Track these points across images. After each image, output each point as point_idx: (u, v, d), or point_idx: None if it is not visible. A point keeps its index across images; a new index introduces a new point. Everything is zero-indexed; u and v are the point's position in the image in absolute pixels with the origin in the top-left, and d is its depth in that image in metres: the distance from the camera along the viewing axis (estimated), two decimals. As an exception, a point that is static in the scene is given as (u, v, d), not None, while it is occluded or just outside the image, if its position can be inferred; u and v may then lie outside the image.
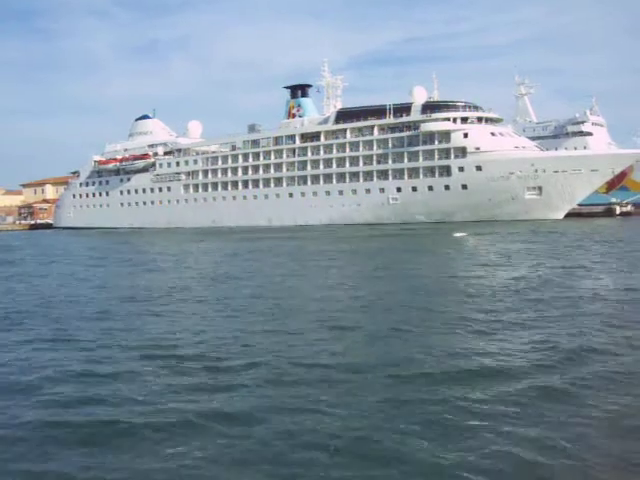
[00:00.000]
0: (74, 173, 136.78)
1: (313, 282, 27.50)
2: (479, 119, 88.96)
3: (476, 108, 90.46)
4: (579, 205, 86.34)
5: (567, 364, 12.35)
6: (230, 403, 10.58)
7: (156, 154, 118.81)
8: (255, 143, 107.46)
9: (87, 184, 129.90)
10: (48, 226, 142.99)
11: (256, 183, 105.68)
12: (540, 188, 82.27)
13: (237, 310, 20.14)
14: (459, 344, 14.30)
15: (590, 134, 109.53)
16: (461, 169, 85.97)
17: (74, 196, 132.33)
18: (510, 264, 31.97)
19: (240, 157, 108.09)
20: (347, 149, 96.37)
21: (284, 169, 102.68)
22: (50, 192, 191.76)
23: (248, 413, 10.05)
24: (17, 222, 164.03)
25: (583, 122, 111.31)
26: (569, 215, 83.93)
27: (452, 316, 17.73)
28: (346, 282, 26.67)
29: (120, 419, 9.91)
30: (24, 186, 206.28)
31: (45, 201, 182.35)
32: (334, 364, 12.79)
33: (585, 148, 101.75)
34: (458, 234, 58.77)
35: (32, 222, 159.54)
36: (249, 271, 32.49)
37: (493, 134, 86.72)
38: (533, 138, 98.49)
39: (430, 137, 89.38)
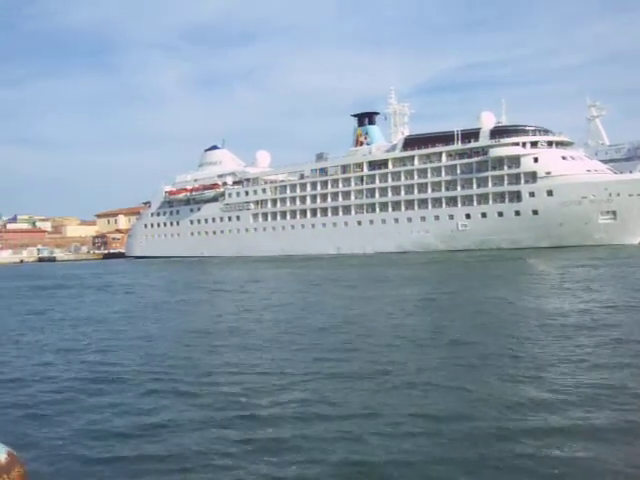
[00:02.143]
0: (146, 203, 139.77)
1: (380, 307, 27.38)
2: (549, 143, 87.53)
3: (546, 132, 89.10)
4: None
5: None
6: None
7: (225, 184, 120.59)
8: (323, 171, 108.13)
9: (158, 214, 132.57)
10: (120, 255, 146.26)
11: (324, 211, 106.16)
12: (614, 212, 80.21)
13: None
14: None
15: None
16: (532, 194, 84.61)
17: (145, 226, 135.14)
18: (589, 293, 31.15)
19: (308, 186, 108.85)
20: (415, 176, 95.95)
21: (352, 197, 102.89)
22: (123, 222, 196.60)
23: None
24: (91, 251, 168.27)
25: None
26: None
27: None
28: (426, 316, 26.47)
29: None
30: (98, 216, 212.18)
31: (118, 231, 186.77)
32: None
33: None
34: (531, 260, 57.78)
35: (105, 252, 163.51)
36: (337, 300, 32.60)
37: (564, 158, 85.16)
38: (606, 161, 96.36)
39: (499, 162, 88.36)
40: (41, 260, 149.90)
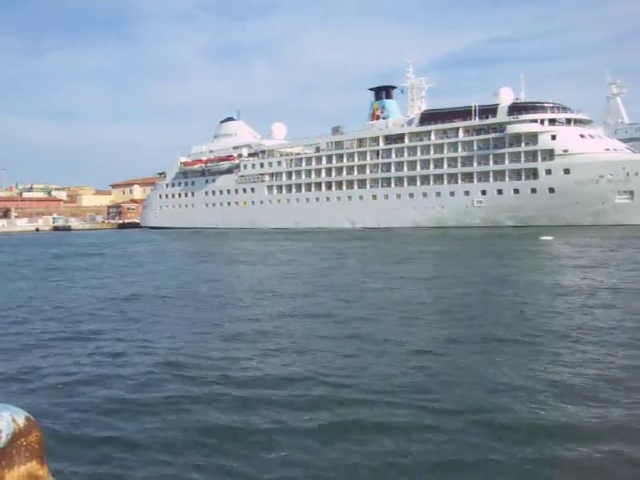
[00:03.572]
0: (160, 174, 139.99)
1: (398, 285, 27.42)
2: (568, 120, 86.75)
3: (565, 109, 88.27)
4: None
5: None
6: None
7: (240, 155, 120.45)
8: (339, 145, 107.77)
9: (173, 185, 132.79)
10: (135, 225, 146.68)
11: (339, 185, 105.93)
12: (632, 192, 79.42)
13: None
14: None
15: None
16: (548, 172, 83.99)
17: (160, 196, 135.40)
18: (599, 272, 30.99)
19: (324, 159, 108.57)
20: (431, 151, 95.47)
21: (367, 171, 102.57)
22: (137, 192, 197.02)
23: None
24: (106, 221, 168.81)
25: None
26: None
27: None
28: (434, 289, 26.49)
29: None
30: (113, 186, 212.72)
31: (133, 201, 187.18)
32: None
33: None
34: (545, 238, 57.55)
35: (120, 221, 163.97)
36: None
37: (582, 136, 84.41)
38: (625, 140, 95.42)
39: (517, 139, 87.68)
40: (56, 229, 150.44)
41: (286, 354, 14.91)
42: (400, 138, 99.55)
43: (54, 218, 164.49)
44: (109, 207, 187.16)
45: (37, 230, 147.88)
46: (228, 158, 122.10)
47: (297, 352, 15.00)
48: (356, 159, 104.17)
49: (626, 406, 10.47)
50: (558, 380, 12.00)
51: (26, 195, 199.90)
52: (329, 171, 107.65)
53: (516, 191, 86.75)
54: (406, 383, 12.06)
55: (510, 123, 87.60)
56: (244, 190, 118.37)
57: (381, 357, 14.24)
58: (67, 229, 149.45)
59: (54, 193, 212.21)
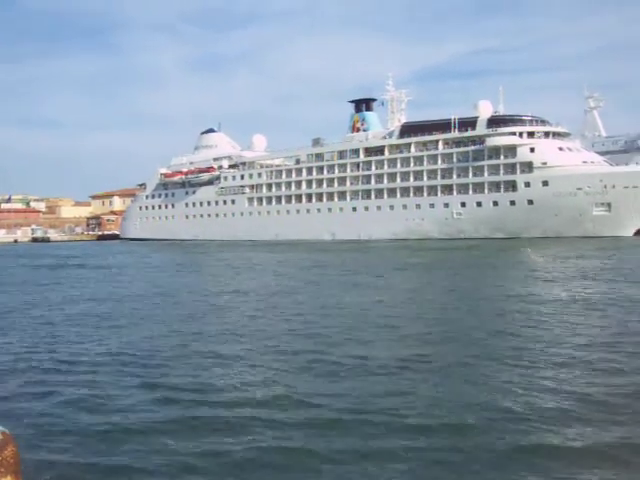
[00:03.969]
0: (141, 185, 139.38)
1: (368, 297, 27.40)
2: (546, 133, 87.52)
3: (543, 122, 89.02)
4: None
5: None
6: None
7: (221, 167, 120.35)
8: (319, 157, 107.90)
9: (153, 196, 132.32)
10: (115, 237, 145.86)
11: (320, 197, 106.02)
12: (609, 204, 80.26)
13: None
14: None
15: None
16: (527, 184, 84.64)
17: (140, 208, 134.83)
18: (573, 283, 31.20)
19: (304, 171, 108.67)
20: (411, 163, 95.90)
21: (348, 183, 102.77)
22: (117, 204, 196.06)
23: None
24: (85, 233, 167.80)
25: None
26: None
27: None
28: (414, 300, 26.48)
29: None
30: (92, 198, 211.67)
31: (112, 212, 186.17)
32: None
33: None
34: (523, 250, 57.86)
35: (100, 233, 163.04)
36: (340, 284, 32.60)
37: (561, 149, 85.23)
38: (602, 153, 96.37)
39: (496, 152, 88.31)
40: (35, 240, 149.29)
41: (255, 371, 14.76)
42: (380, 150, 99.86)
43: (33, 229, 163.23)
44: (88, 218, 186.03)
45: (15, 242, 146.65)
46: (208, 170, 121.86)
47: (267, 369, 14.86)
48: (336, 171, 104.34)
49: (605, 427, 10.48)
50: (532, 402, 12.01)
51: (4, 206, 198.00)
52: (309, 183, 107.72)
53: (495, 203, 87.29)
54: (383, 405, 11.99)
55: (489, 136, 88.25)
56: (224, 202, 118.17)
57: (345, 373, 14.18)
58: (46, 240, 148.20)
59: (33, 204, 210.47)
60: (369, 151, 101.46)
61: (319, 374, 14.10)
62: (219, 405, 11.97)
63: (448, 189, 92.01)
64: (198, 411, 11.60)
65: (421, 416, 11.05)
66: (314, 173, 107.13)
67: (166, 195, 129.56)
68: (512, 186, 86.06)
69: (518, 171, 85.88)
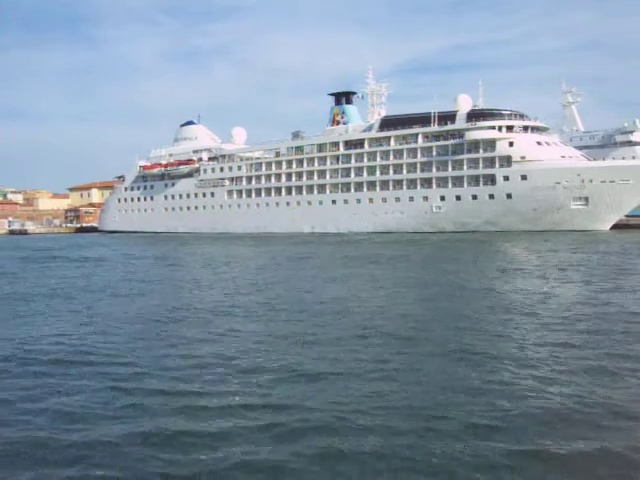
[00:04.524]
0: (119, 178, 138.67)
1: (352, 289, 27.37)
2: (525, 128, 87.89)
3: (522, 117, 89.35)
4: (627, 216, 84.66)
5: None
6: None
7: (200, 160, 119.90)
8: (299, 150, 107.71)
9: (132, 189, 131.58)
10: (93, 229, 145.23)
11: (299, 190, 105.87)
12: (587, 198, 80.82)
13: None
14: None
15: (639, 144, 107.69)
16: (506, 178, 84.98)
17: (119, 200, 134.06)
18: (550, 277, 31.32)
19: (284, 164, 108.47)
20: (391, 157, 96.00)
21: (327, 176, 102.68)
22: (96, 196, 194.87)
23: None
24: (63, 225, 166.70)
25: (632, 131, 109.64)
26: (616, 226, 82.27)
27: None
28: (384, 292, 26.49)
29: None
30: (71, 190, 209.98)
31: (91, 205, 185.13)
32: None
33: (634, 158, 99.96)
34: (501, 243, 58.14)
35: (78, 225, 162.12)
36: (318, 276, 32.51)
37: (539, 143, 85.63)
38: (580, 147, 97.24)
39: (475, 145, 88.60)
40: (12, 233, 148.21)
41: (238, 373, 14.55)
42: (360, 144, 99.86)
43: (10, 222, 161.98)
44: (67, 211, 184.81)
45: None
46: (188, 162, 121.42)
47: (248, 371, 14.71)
48: (316, 164, 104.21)
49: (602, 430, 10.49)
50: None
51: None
52: (289, 176, 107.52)
53: (474, 197, 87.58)
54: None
55: (468, 130, 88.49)
56: (204, 194, 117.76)
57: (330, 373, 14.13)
58: (23, 233, 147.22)
59: (10, 196, 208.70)
60: (349, 144, 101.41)
61: (293, 379, 13.41)
62: (191, 411, 11.27)
63: (427, 182, 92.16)
64: (169, 420, 10.84)
65: (399, 418, 10.83)
66: (294, 166, 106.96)
67: (145, 187, 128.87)
68: (491, 180, 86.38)
69: (497, 165, 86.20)
